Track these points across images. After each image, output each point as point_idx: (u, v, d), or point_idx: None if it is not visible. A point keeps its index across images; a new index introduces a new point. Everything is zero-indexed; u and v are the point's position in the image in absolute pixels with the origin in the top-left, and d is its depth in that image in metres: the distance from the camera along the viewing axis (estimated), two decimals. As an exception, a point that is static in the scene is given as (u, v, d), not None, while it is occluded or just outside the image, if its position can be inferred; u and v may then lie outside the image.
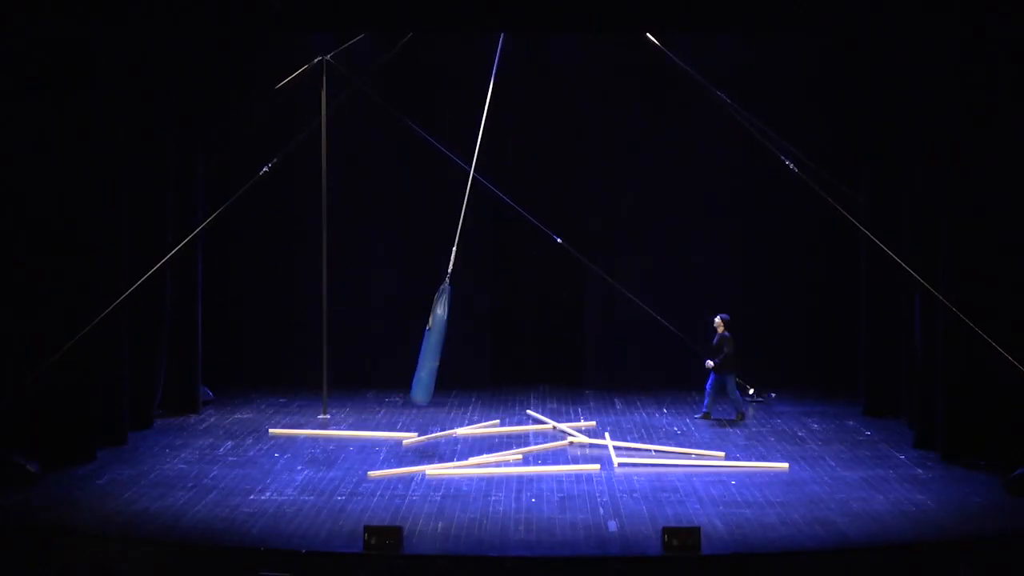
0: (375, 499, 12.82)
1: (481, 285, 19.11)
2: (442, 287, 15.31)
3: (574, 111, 18.91)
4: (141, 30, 15.10)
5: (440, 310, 15.20)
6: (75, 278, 14.24)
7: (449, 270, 15.43)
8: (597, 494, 13.01)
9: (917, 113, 14.96)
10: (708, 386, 16.85)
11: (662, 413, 17.28)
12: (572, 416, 17.01)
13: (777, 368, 18.60)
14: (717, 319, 16.92)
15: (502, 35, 16.23)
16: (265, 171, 16.17)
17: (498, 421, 16.58)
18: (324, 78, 16.69)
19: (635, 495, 12.94)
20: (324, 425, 16.38)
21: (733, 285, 18.86)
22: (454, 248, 15.54)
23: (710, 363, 16.70)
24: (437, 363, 15.38)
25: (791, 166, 15.97)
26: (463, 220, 15.69)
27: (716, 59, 17.81)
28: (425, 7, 14.61)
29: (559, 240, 17.18)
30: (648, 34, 15.91)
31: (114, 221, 14.90)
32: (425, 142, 17.53)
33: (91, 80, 14.28)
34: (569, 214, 18.61)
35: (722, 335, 16.81)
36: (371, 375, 18.98)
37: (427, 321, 15.23)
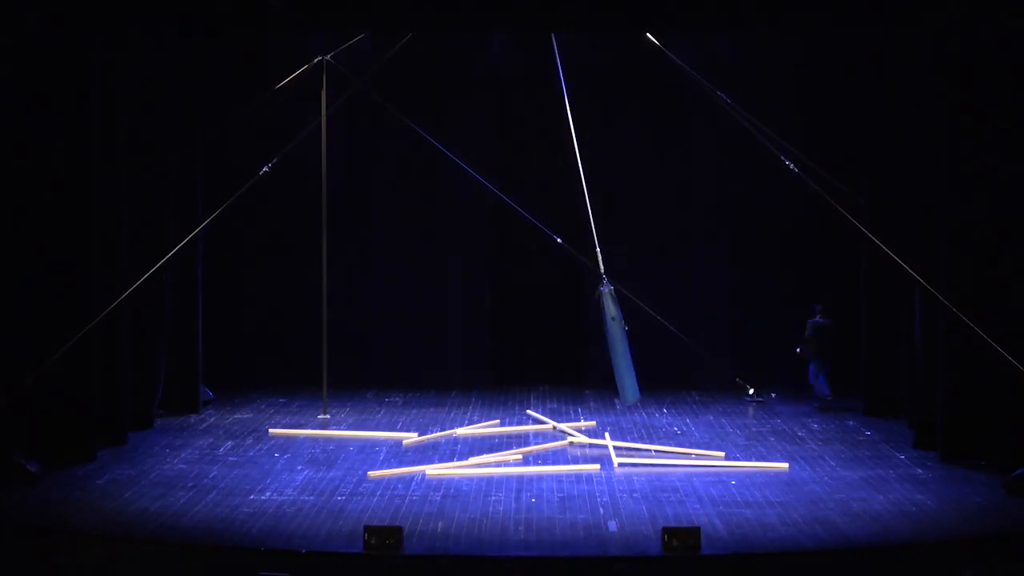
0: (375, 499, 12.82)
1: (481, 285, 19.12)
2: (603, 288, 15.24)
3: (574, 110, 18.87)
4: (141, 30, 15.10)
5: (615, 310, 15.14)
6: (75, 278, 14.23)
7: (602, 270, 15.37)
8: (597, 494, 13.01)
9: (917, 113, 14.95)
10: (810, 376, 17.34)
11: (662, 413, 17.28)
12: (572, 416, 17.01)
13: (777, 368, 18.59)
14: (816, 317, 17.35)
15: (553, 36, 16.22)
16: (265, 171, 16.17)
17: (498, 421, 16.59)
18: (324, 78, 16.68)
19: (635, 495, 12.94)
20: (324, 425, 16.38)
21: (733, 285, 18.87)
22: (598, 248, 15.49)
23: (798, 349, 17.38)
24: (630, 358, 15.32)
25: (791, 166, 15.96)
26: (592, 214, 15.65)
27: (716, 59, 17.82)
28: (425, 7, 14.60)
29: (559, 240, 17.19)
30: (648, 34, 15.90)
31: (114, 221, 14.89)
32: (426, 142, 17.52)
33: (91, 80, 14.27)
34: (569, 214, 18.60)
35: (814, 322, 17.28)
36: (371, 375, 18.98)
37: (612, 324, 15.13)
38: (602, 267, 15.49)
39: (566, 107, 16.02)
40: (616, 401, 17.96)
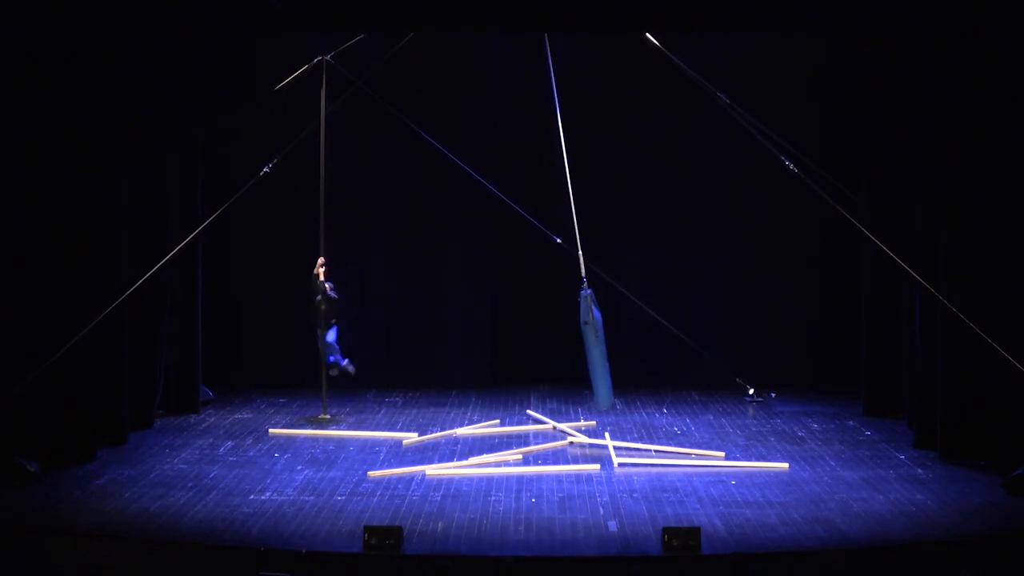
0: (375, 499, 12.82)
1: (481, 285, 19.11)
2: (584, 292, 15.22)
3: (573, 110, 18.87)
4: (141, 29, 15.10)
5: (595, 314, 15.11)
6: (75, 278, 14.23)
7: (583, 274, 15.37)
8: (597, 494, 13.02)
9: (917, 113, 14.95)
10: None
11: (662, 413, 17.28)
12: (572, 416, 17.01)
13: (777, 368, 18.59)
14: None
15: (546, 35, 16.19)
16: (265, 171, 16.17)
17: (498, 421, 16.59)
18: (324, 78, 16.68)
19: (635, 495, 12.94)
20: (324, 425, 16.38)
21: (733, 284, 18.86)
22: (580, 252, 15.50)
23: None
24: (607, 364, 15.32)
25: (791, 166, 15.97)
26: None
27: (715, 59, 17.82)
28: (425, 7, 14.61)
29: (558, 240, 17.17)
30: (648, 34, 15.91)
31: (114, 221, 14.89)
32: (426, 142, 17.51)
33: (91, 79, 14.27)
34: (568, 214, 18.59)
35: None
36: (371, 375, 18.97)
37: (589, 330, 15.11)
38: (583, 272, 15.45)
39: (556, 108, 15.97)
40: (616, 401, 17.98)
